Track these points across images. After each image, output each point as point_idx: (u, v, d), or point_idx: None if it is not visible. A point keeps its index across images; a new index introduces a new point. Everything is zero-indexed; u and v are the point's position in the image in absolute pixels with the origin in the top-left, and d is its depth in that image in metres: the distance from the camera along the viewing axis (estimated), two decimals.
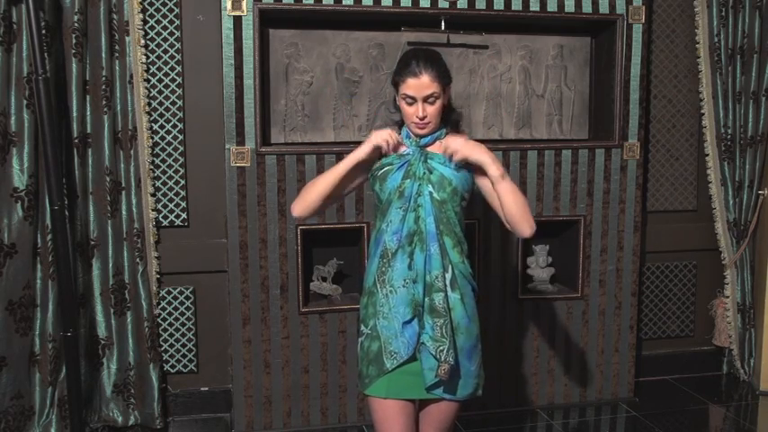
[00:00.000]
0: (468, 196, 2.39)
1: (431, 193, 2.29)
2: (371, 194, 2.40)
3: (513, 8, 3.47)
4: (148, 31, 3.44)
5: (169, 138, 3.53)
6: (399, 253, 2.29)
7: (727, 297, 4.12)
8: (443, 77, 2.30)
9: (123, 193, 3.42)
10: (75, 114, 3.26)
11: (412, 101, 2.28)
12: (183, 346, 3.66)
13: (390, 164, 2.35)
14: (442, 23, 3.44)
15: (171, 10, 3.47)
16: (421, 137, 2.33)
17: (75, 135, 3.27)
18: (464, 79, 3.66)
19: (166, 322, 3.63)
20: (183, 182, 3.56)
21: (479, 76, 3.70)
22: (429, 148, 2.35)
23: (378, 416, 2.32)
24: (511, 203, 2.25)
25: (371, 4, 3.35)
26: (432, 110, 2.29)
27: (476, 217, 3.49)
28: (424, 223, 2.28)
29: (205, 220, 3.62)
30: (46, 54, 3.02)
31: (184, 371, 3.68)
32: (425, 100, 2.27)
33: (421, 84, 2.26)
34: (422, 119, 2.28)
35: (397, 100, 2.37)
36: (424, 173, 2.31)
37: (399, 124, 2.44)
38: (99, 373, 3.48)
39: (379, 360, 2.29)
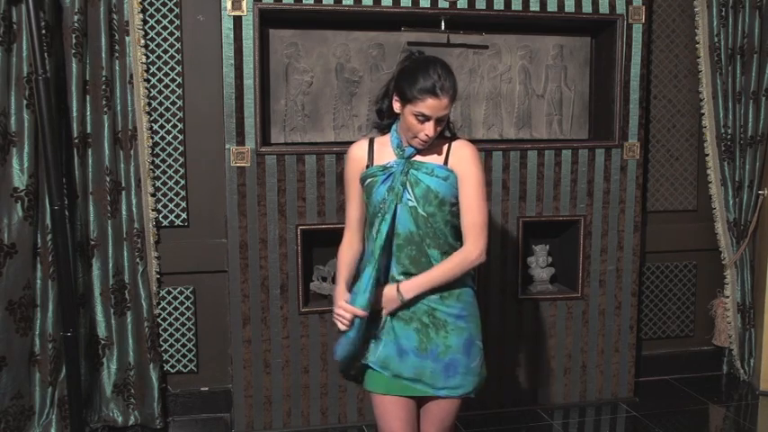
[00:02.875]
0: (457, 199, 2.31)
1: (415, 207, 2.24)
2: None
3: (513, 8, 3.47)
4: (148, 31, 3.44)
5: (169, 138, 3.53)
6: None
7: (727, 297, 4.11)
8: (456, 95, 2.24)
9: (123, 193, 3.42)
10: (75, 114, 3.26)
11: (425, 119, 2.20)
12: (183, 346, 3.66)
13: (374, 175, 2.30)
14: (442, 23, 3.44)
15: (171, 10, 3.47)
16: (418, 149, 2.27)
17: (75, 135, 3.27)
18: (464, 79, 3.66)
19: (166, 322, 3.63)
20: (183, 182, 3.56)
21: (479, 76, 3.70)
22: (417, 157, 2.29)
23: (378, 411, 2.36)
24: (450, 279, 2.28)
25: (371, 4, 3.35)
26: (438, 129, 2.24)
27: None
28: (390, 236, 2.26)
29: (205, 220, 3.62)
30: (46, 54, 3.02)
31: (184, 371, 3.68)
32: (438, 120, 2.21)
33: (440, 105, 2.18)
34: (429, 137, 2.23)
35: (394, 104, 2.27)
36: (403, 187, 2.25)
37: (381, 127, 2.38)
38: (99, 373, 3.48)
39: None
